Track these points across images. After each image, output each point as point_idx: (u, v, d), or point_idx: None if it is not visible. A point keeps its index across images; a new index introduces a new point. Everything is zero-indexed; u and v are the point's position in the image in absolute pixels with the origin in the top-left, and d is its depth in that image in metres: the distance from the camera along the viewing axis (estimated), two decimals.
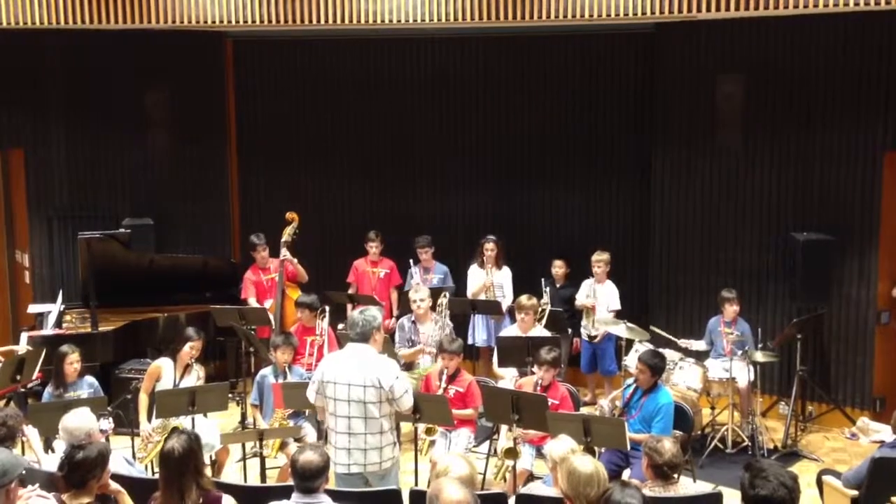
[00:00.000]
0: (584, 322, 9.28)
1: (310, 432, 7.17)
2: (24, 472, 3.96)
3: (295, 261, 9.33)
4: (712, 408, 8.54)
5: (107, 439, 6.02)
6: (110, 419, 6.60)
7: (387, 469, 5.60)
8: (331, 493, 4.81)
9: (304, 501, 4.61)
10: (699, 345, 8.62)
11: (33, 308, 9.50)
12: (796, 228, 8.74)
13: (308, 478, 4.59)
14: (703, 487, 6.57)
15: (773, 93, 8.94)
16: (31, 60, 9.80)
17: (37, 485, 4.12)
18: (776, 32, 8.79)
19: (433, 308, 8.41)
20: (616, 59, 9.88)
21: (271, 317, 8.96)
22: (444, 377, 7.15)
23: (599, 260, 9.15)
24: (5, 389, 7.42)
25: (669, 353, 8.07)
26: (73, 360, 7.16)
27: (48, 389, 7.25)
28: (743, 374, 8.14)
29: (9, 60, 9.71)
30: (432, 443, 6.95)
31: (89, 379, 7.34)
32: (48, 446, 6.19)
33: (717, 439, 8.09)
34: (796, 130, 8.86)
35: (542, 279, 9.10)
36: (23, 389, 7.54)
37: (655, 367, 6.75)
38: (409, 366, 8.12)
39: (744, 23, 8.78)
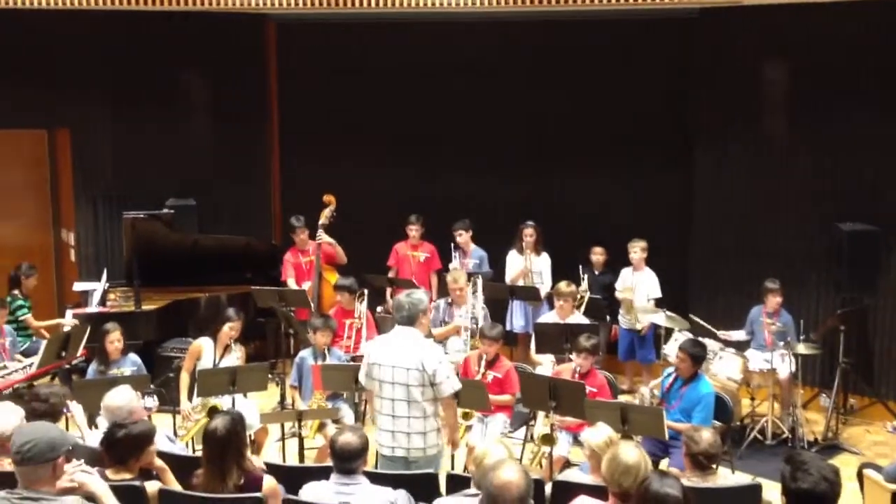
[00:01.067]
0: (621, 312, 9.23)
1: (347, 414, 7.22)
2: (70, 447, 4.02)
3: (333, 242, 9.35)
4: (752, 399, 8.47)
5: (149, 417, 6.10)
6: (154, 397, 6.70)
7: (432, 456, 5.58)
8: (369, 474, 4.85)
9: (343, 482, 4.65)
10: (739, 335, 8.54)
11: (78, 286, 9.65)
12: (840, 218, 8.59)
13: (347, 459, 4.63)
14: (741, 479, 6.55)
15: (818, 78, 8.78)
16: (76, 42, 9.91)
17: (81, 460, 4.18)
18: (821, 16, 8.63)
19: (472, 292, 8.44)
20: (658, 44, 9.79)
21: (310, 299, 9.01)
22: (483, 362, 7.16)
23: (636, 247, 9.07)
24: (50, 366, 7.56)
25: (709, 343, 8.01)
26: (113, 339, 7.25)
27: (92, 366, 7.37)
28: (784, 366, 8.06)
29: (55, 42, 9.83)
30: (468, 427, 6.98)
31: (133, 357, 7.44)
32: (92, 422, 6.30)
33: (756, 430, 8.02)
34: (841, 117, 8.71)
35: (580, 266, 9.06)
36: (67, 366, 7.66)
37: (696, 356, 6.70)
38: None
39: (788, 7, 8.64)
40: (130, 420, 4.89)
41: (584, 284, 8.80)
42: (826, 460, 3.93)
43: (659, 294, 9.04)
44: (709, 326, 8.42)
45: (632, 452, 4.30)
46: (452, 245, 9.51)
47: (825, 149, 8.86)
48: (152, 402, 6.52)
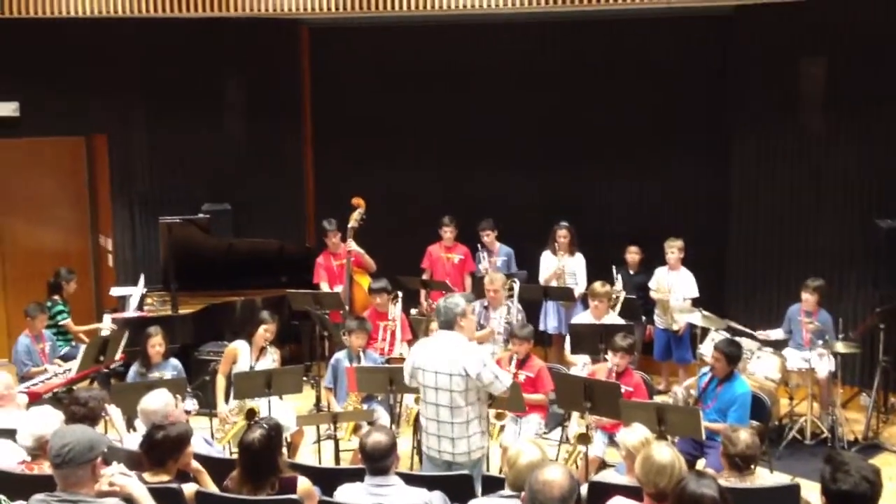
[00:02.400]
0: (657, 312, 9.16)
1: (382, 416, 7.24)
2: (106, 448, 4.07)
3: (361, 251, 9.29)
4: (791, 398, 8.37)
5: (188, 420, 6.16)
6: (195, 400, 6.75)
7: (476, 460, 5.56)
8: (403, 475, 4.86)
9: (376, 483, 4.66)
10: (777, 333, 8.45)
11: (116, 291, 9.77)
12: (880, 215, 8.47)
13: (378, 458, 4.64)
14: (780, 479, 6.47)
15: (857, 74, 8.67)
16: (113, 49, 10.02)
17: (121, 464, 4.23)
18: (859, 11, 8.54)
19: (508, 296, 8.43)
20: (694, 41, 9.74)
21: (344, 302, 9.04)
22: (515, 362, 7.15)
23: (673, 246, 8.98)
24: (89, 370, 7.66)
25: (747, 343, 7.93)
26: (155, 343, 7.32)
27: (133, 369, 7.45)
28: (823, 365, 7.95)
29: (93, 49, 9.95)
30: (502, 428, 6.96)
31: (174, 361, 7.51)
32: (130, 425, 6.37)
33: (795, 430, 7.91)
34: (880, 113, 8.59)
35: (614, 266, 9.00)
36: (106, 370, 7.75)
37: (731, 355, 6.64)
38: None
39: (824, 3, 8.53)
40: (168, 423, 4.94)
41: (619, 284, 8.75)
42: (867, 460, 3.87)
43: (696, 294, 8.95)
44: (746, 329, 8.32)
45: (665, 452, 4.27)
46: (479, 245, 9.51)
47: (864, 145, 8.75)
48: (192, 404, 6.58)
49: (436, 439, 5.53)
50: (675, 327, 8.98)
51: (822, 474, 3.74)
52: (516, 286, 8.57)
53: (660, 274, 9.10)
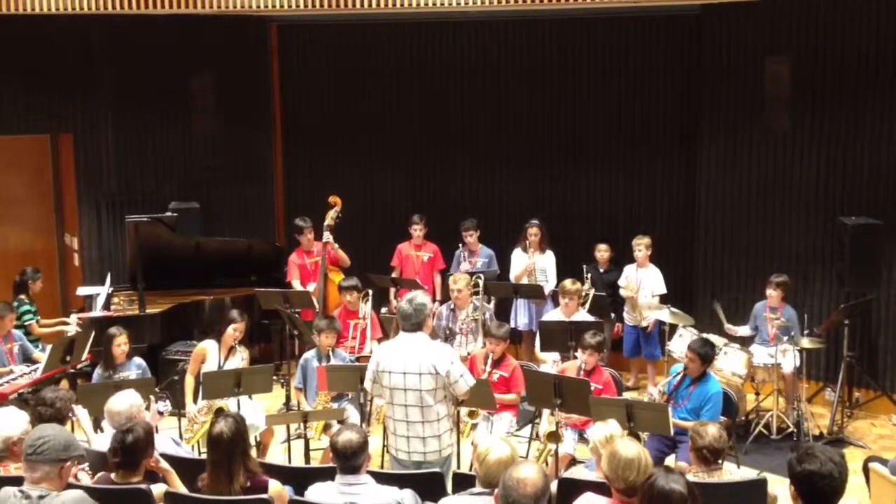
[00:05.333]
0: (626, 309, 9.23)
1: (353, 415, 7.22)
2: (82, 454, 4.06)
3: (336, 246, 9.36)
4: (757, 393, 8.46)
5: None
6: (167, 401, 6.70)
7: (446, 457, 5.61)
8: (374, 474, 4.86)
9: (348, 482, 4.65)
10: (744, 330, 8.55)
11: (82, 290, 9.67)
12: (845, 212, 8.59)
13: (349, 457, 4.63)
14: (747, 473, 6.54)
15: (822, 74, 8.78)
16: (79, 46, 9.91)
17: (86, 464, 4.21)
18: (823, 12, 8.65)
19: (473, 294, 8.46)
20: (661, 41, 9.81)
21: (315, 300, 9.02)
22: (490, 361, 7.17)
23: (640, 244, 9.06)
24: (55, 370, 7.57)
25: (714, 339, 8.01)
26: (120, 343, 7.27)
27: (97, 371, 7.38)
28: (788, 361, 8.05)
29: (58, 46, 9.84)
30: (474, 426, 6.98)
31: (137, 360, 7.46)
32: (97, 426, 6.31)
33: (761, 425, 8.01)
34: (845, 112, 8.71)
35: (584, 265, 9.06)
36: (73, 370, 7.67)
37: (706, 355, 6.69)
38: None
39: (790, 3, 8.62)
40: (132, 424, 4.89)
41: (588, 282, 8.80)
42: (832, 449, 3.90)
43: (664, 290, 9.03)
44: (724, 319, 8.38)
45: (630, 446, 4.31)
46: (461, 245, 9.51)
47: (829, 143, 8.85)
48: (164, 406, 6.55)
49: (405, 440, 5.53)
50: (643, 324, 9.05)
51: (789, 461, 3.78)
52: (481, 282, 8.59)
53: (629, 271, 9.17)
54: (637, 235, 9.13)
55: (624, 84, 9.94)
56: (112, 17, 9.42)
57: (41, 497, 3.82)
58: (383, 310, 9.07)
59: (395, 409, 5.54)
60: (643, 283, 9.05)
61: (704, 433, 4.97)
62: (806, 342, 8.03)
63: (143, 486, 4.64)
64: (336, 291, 8.95)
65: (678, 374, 6.83)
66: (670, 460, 6.50)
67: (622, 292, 9.18)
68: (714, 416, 6.46)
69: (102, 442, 5.34)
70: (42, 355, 8.03)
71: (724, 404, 6.73)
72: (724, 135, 9.40)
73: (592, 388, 6.49)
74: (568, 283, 8.09)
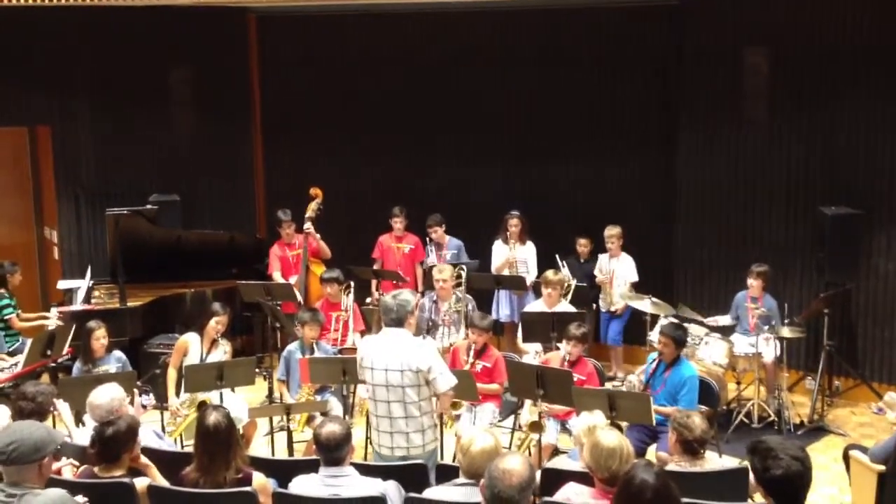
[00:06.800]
0: (601, 296, 9.32)
1: (336, 407, 7.23)
2: (59, 446, 4.02)
3: (318, 237, 9.34)
4: (738, 383, 8.51)
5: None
6: (151, 395, 6.67)
7: (431, 451, 5.59)
8: (358, 466, 4.86)
9: (331, 473, 4.65)
10: (724, 319, 8.60)
11: (62, 284, 9.61)
12: (824, 202, 8.65)
13: (332, 449, 4.62)
14: (729, 462, 6.58)
15: (800, 65, 8.84)
16: (56, 38, 9.82)
17: (70, 458, 4.18)
18: (802, 3, 8.69)
19: (455, 285, 8.47)
20: (640, 31, 9.82)
21: (297, 292, 9.00)
22: (472, 352, 7.18)
23: (612, 235, 9.20)
24: (36, 364, 7.52)
25: (695, 329, 8.06)
26: (99, 336, 7.22)
27: (77, 365, 7.33)
28: (769, 350, 8.11)
29: (35, 38, 9.74)
30: (457, 417, 6.99)
31: (117, 353, 7.41)
32: (79, 420, 6.28)
33: (742, 414, 8.07)
34: (823, 103, 8.76)
35: (557, 255, 9.08)
36: (53, 364, 7.63)
37: (679, 338, 6.75)
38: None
39: None
40: (115, 417, 4.88)
41: (565, 272, 8.82)
42: (785, 441, 3.90)
43: (636, 278, 9.15)
44: (696, 316, 8.44)
45: (611, 436, 4.34)
46: (427, 240, 9.53)
47: (808, 134, 8.91)
48: (148, 399, 6.50)
49: (388, 436, 5.53)
50: (612, 308, 9.16)
51: (751, 465, 3.79)
52: (464, 273, 8.60)
53: (602, 260, 9.28)
54: (608, 226, 9.22)
55: (603, 75, 9.95)
56: (90, 8, 9.35)
57: (21, 496, 3.80)
58: (367, 301, 9.07)
59: (377, 405, 5.53)
60: (616, 272, 9.15)
61: (693, 425, 4.98)
62: (786, 331, 8.09)
63: (125, 479, 4.63)
64: (318, 283, 8.93)
65: (653, 361, 6.88)
66: (651, 450, 6.54)
67: (597, 280, 9.29)
68: (691, 400, 6.51)
69: (84, 435, 5.31)
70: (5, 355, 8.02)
71: (705, 394, 6.78)
72: (703, 126, 9.43)
73: (576, 379, 6.51)
74: (550, 273, 8.12)
